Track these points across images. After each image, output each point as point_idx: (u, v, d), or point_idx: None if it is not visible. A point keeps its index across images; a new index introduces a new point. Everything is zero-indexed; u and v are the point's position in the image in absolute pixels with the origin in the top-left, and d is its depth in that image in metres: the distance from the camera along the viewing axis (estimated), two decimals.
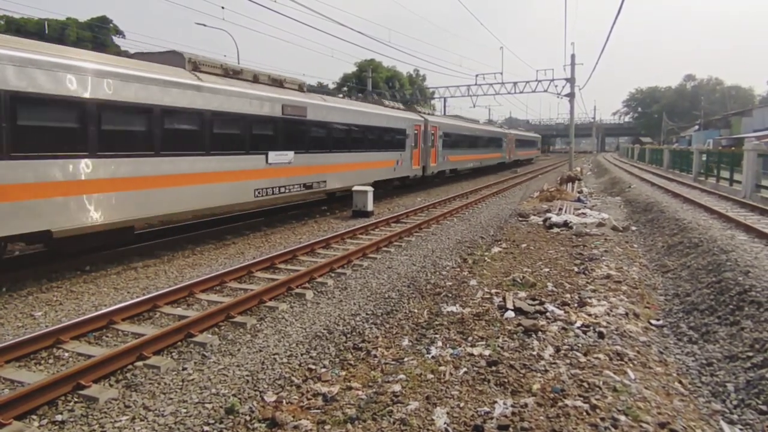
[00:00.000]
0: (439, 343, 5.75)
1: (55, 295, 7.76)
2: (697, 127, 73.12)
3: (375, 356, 5.54)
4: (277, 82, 14.01)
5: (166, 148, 9.88)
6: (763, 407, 4.70)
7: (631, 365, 5.16)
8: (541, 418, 4.11)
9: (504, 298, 7.20)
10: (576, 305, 6.97)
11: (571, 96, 34.37)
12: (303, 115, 14.23)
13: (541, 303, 7.00)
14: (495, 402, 4.39)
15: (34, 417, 4.34)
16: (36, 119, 7.71)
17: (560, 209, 16.44)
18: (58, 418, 4.31)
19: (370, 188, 16.14)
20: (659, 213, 15.10)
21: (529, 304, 6.92)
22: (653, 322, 7.07)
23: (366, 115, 18.49)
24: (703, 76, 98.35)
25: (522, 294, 7.50)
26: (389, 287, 8.17)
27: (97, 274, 8.89)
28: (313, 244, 10.91)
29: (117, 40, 50.44)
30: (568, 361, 5.21)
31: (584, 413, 4.16)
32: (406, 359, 5.40)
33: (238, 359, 5.48)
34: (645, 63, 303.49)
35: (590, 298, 7.28)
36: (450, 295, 7.65)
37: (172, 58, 11.04)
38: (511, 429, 3.97)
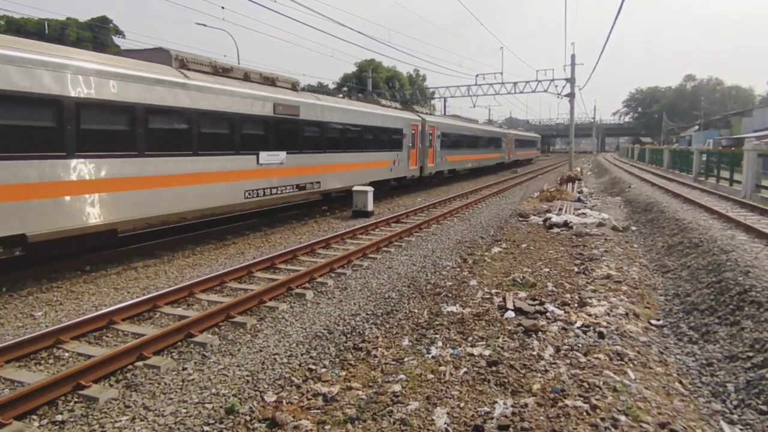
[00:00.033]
0: (439, 343, 5.75)
1: (55, 295, 7.76)
2: (697, 127, 73.17)
3: (375, 356, 5.54)
4: (269, 81, 13.74)
5: (151, 148, 9.54)
6: (764, 407, 4.70)
7: (631, 365, 5.16)
8: (542, 418, 4.11)
9: (504, 298, 7.20)
10: (576, 305, 6.97)
11: (571, 96, 34.39)
12: (296, 115, 13.94)
13: (541, 303, 7.00)
14: (495, 402, 4.40)
15: (35, 417, 4.34)
16: (8, 118, 7.33)
17: (560, 209, 16.44)
18: (58, 418, 4.31)
19: (370, 188, 16.10)
20: (659, 213, 15.10)
21: (529, 304, 6.93)
22: (653, 322, 7.07)
23: (361, 115, 18.22)
24: (703, 76, 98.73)
25: (522, 294, 7.50)
26: (389, 287, 8.17)
27: (97, 274, 8.89)
28: (313, 244, 10.91)
29: (117, 40, 50.49)
30: (568, 361, 5.21)
31: (584, 413, 4.16)
32: (406, 359, 5.40)
33: (238, 359, 5.48)
34: (645, 63, 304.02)
35: (590, 298, 7.28)
36: (450, 295, 7.65)
37: (158, 55, 10.76)
38: (511, 429, 3.97)
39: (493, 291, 7.70)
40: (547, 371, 4.97)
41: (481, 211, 17.45)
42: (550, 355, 5.35)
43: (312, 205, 17.98)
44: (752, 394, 4.94)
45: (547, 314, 6.58)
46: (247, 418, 4.30)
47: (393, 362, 5.36)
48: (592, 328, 6.08)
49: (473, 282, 8.30)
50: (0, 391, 4.75)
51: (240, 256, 10.43)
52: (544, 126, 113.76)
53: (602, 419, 4.06)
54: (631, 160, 58.03)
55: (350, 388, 4.79)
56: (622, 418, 4.08)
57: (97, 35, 47.00)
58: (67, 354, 5.59)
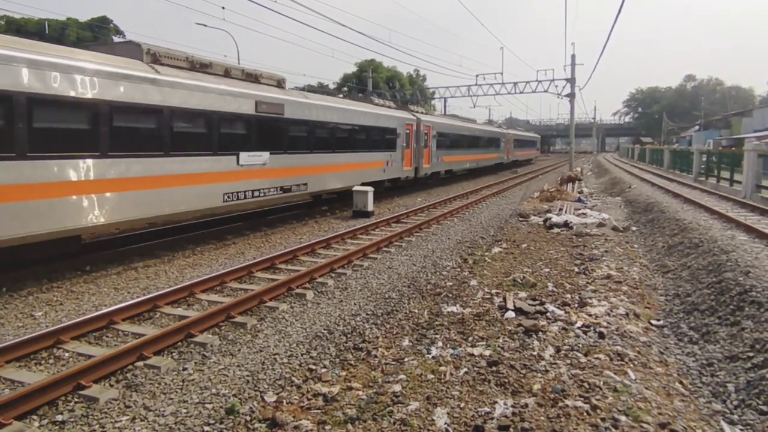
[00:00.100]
0: (440, 344, 5.75)
1: (55, 295, 7.76)
2: (697, 127, 73.18)
3: (375, 356, 5.54)
4: (252, 77, 13.22)
5: (115, 148, 8.89)
6: (764, 407, 4.70)
7: (631, 365, 5.16)
8: (542, 418, 4.11)
9: (504, 299, 7.20)
10: (576, 305, 6.97)
11: (571, 96, 34.40)
12: (280, 113, 13.30)
13: (542, 303, 7.00)
14: (495, 402, 4.39)
15: (35, 417, 4.34)
16: None
17: (560, 209, 16.44)
18: (59, 418, 4.31)
19: (370, 188, 16.05)
20: (659, 213, 15.10)
21: (529, 305, 6.92)
22: (654, 322, 7.07)
23: (352, 113, 17.54)
24: (703, 76, 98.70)
25: (522, 294, 7.50)
26: (389, 287, 8.16)
27: (97, 274, 8.89)
28: (313, 244, 10.91)
29: (117, 40, 50.46)
30: (568, 361, 5.21)
31: (585, 413, 4.16)
32: (406, 359, 5.40)
33: (238, 359, 5.48)
34: (645, 63, 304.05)
35: (591, 298, 7.28)
36: (450, 295, 7.65)
37: (129, 49, 10.24)
38: (511, 429, 3.97)
39: (494, 291, 7.70)
40: (547, 371, 4.97)
41: (482, 211, 17.45)
42: (551, 356, 5.34)
43: (312, 205, 17.96)
44: (752, 395, 4.94)
45: (548, 314, 6.58)
46: (248, 418, 4.30)
47: (393, 362, 5.36)
48: (592, 328, 6.08)
49: (473, 282, 8.30)
50: (0, 391, 4.75)
51: (240, 256, 10.43)
52: (544, 126, 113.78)
53: (603, 419, 4.06)
54: (632, 160, 58.05)
55: (350, 389, 4.79)
56: (623, 418, 4.08)
57: (97, 35, 47.00)
58: (67, 354, 5.59)
